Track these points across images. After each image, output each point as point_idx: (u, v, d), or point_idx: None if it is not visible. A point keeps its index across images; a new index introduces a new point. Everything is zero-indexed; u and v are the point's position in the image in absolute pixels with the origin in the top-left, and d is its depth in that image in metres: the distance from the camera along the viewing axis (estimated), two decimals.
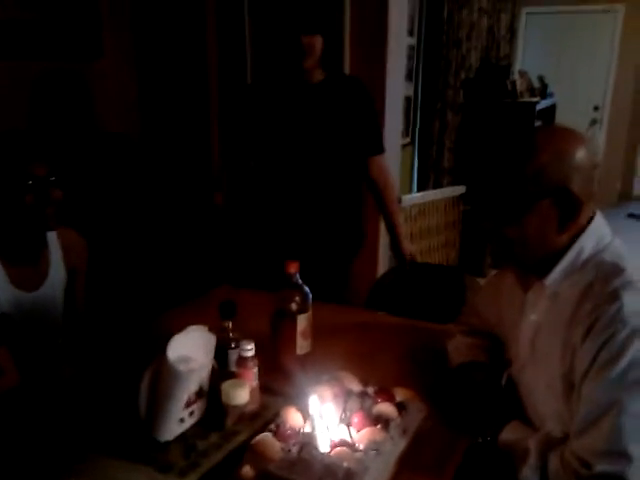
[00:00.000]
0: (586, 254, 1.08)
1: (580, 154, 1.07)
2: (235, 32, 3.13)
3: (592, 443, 0.97)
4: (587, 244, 1.09)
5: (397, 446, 1.11)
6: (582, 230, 1.09)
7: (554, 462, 1.03)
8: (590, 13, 6.20)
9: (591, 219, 1.10)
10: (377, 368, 1.40)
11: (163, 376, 1.16)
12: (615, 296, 1.00)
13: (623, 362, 0.96)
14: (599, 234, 1.10)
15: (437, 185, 4.19)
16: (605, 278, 1.03)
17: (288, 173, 2.11)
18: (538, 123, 4.57)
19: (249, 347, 1.26)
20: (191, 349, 1.21)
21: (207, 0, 3.16)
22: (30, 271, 1.69)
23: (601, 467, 0.95)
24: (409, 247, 2.26)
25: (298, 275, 1.42)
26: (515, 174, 1.07)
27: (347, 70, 2.89)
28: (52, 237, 1.75)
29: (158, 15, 3.20)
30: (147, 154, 3.30)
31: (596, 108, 6.22)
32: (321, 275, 1.85)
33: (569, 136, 1.10)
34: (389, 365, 1.46)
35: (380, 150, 2.22)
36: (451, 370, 1.39)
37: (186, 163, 3.39)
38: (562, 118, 5.44)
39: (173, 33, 3.23)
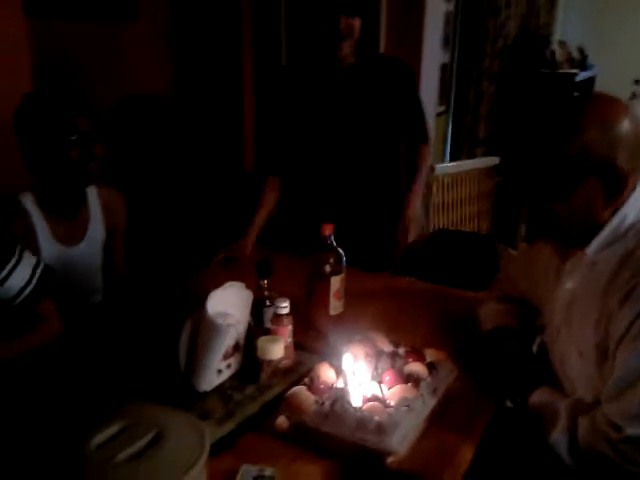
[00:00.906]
0: (628, 223, 1.08)
1: (625, 126, 1.06)
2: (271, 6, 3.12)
3: (624, 407, 0.99)
4: (630, 213, 1.08)
5: (427, 404, 1.14)
6: (622, 204, 1.09)
7: (584, 425, 1.05)
8: None
9: (633, 191, 1.10)
10: (408, 330, 1.42)
11: (202, 329, 1.20)
12: None
13: None
14: (637, 207, 1.09)
15: (471, 155, 4.14)
16: None
17: (324, 157, 2.07)
18: (577, 95, 4.47)
19: (284, 305, 1.29)
20: (229, 304, 1.25)
21: None
22: (70, 226, 1.73)
23: (632, 430, 0.97)
24: (411, 215, 2.11)
25: (332, 237, 1.44)
26: (561, 152, 1.07)
27: (383, 38, 2.85)
28: (92, 194, 1.79)
29: None
30: (180, 117, 3.32)
31: (637, 82, 6.05)
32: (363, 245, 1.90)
33: (613, 108, 1.08)
34: (420, 327, 1.49)
35: (424, 139, 2.15)
36: (482, 335, 1.41)
37: (218, 129, 3.41)
38: (602, 89, 5.30)
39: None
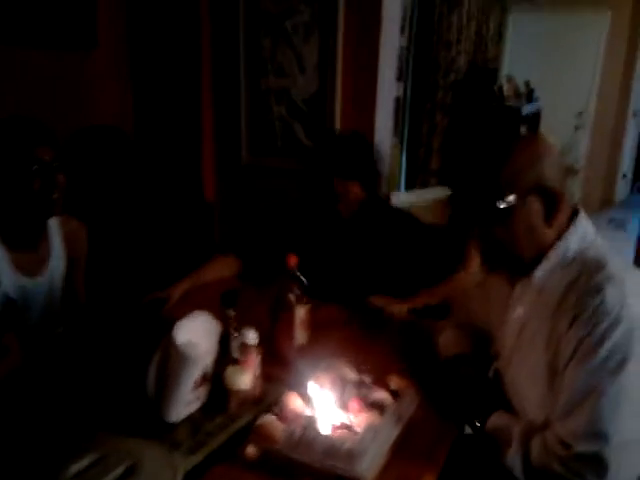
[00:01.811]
0: (572, 251, 1.17)
1: (550, 159, 1.17)
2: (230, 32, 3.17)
3: (573, 426, 1.06)
4: (572, 241, 1.17)
5: (392, 431, 1.18)
6: (567, 228, 1.18)
7: (536, 446, 1.11)
8: (577, 19, 6.31)
9: (575, 218, 1.18)
10: (371, 359, 1.46)
11: (171, 360, 1.22)
12: (598, 289, 1.08)
13: (604, 350, 1.05)
14: (583, 232, 1.19)
15: (424, 185, 4.26)
16: (589, 273, 1.12)
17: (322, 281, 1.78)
18: (523, 128, 4.67)
19: (253, 335, 1.32)
20: (196, 334, 1.26)
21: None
22: (32, 257, 1.72)
23: (581, 447, 1.04)
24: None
25: (297, 268, 1.48)
26: (493, 179, 1.15)
27: (339, 69, 2.93)
28: (53, 224, 1.79)
29: (152, 9, 3.23)
30: (139, 147, 3.32)
31: (580, 114, 6.35)
32: None
33: (540, 143, 1.20)
34: (383, 356, 1.52)
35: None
36: (440, 362, 1.46)
37: (177, 159, 3.42)
38: (547, 123, 5.54)
39: (166, 28, 3.26)
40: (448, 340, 1.51)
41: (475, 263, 1.72)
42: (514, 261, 1.22)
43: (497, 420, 1.21)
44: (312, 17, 2.91)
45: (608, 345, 1.05)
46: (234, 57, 3.18)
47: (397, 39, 3.09)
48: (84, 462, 0.96)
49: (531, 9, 6.26)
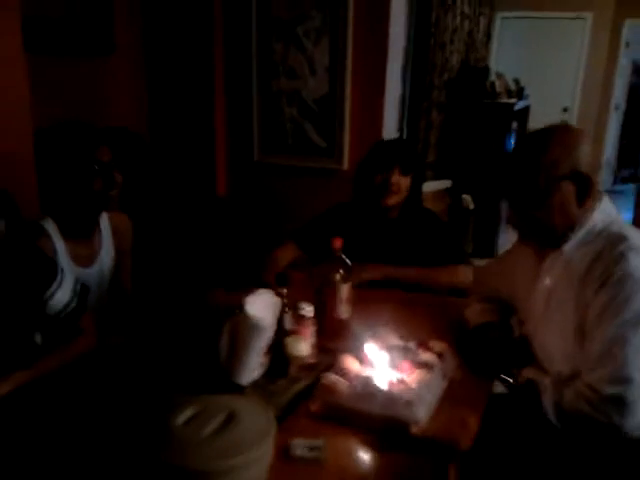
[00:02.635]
0: (598, 227, 1.36)
1: (584, 147, 1.35)
2: (242, 36, 3.33)
3: (601, 373, 1.24)
4: (599, 219, 1.37)
5: (440, 385, 1.37)
6: (593, 209, 1.36)
7: (568, 393, 1.29)
8: (560, 19, 6.55)
9: (599, 200, 1.37)
10: (410, 328, 1.64)
11: (242, 330, 1.38)
12: (622, 257, 1.27)
13: (628, 310, 1.23)
14: (607, 211, 1.38)
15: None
16: (613, 244, 1.31)
17: None
18: (514, 123, 4.88)
19: (309, 308, 1.49)
20: (262, 308, 1.43)
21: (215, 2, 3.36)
22: (85, 249, 1.88)
23: (608, 391, 1.22)
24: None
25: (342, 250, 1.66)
26: (534, 166, 1.34)
27: (349, 74, 3.10)
28: (103, 218, 1.94)
29: (167, 14, 3.38)
30: (155, 151, 3.46)
31: (565, 110, 6.59)
32: None
33: (574, 132, 1.40)
34: (420, 326, 1.71)
35: (459, 260, 2.16)
36: (470, 331, 1.65)
37: (190, 156, 3.57)
38: (534, 118, 5.76)
39: (181, 33, 3.41)
40: (474, 312, 1.70)
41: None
42: (547, 236, 1.40)
43: (529, 373, 1.39)
44: (323, 22, 3.08)
45: (633, 305, 1.23)
46: (246, 60, 3.34)
47: (402, 42, 3.27)
48: (188, 413, 1.11)
49: (517, 9, 6.47)
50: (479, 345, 1.57)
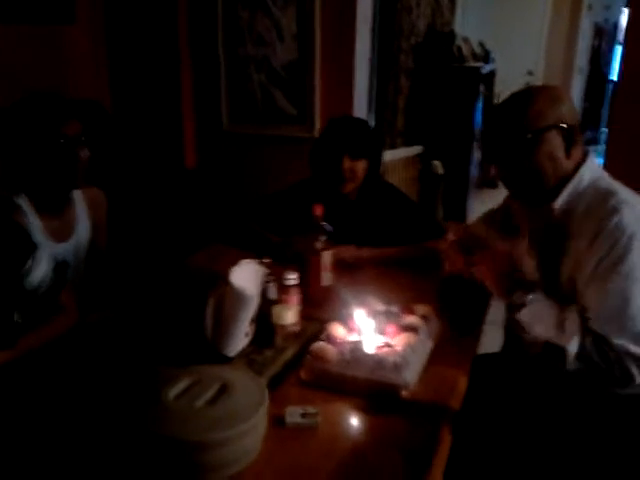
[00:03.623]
0: (586, 181, 1.39)
1: (567, 100, 1.41)
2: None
3: (621, 332, 1.25)
4: (585, 174, 1.39)
5: (426, 347, 1.39)
6: (580, 163, 1.39)
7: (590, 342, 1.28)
8: None
9: (586, 156, 1.39)
10: (395, 293, 1.65)
11: (228, 300, 1.37)
12: (614, 210, 1.29)
13: (626, 263, 1.25)
14: (593, 167, 1.41)
15: (392, 145, 4.45)
16: (603, 199, 1.33)
17: None
18: (482, 87, 4.89)
19: (292, 276, 1.49)
20: (247, 278, 1.42)
21: None
22: (59, 223, 1.83)
23: (634, 349, 1.24)
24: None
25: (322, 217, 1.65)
26: (523, 116, 1.37)
27: (318, 39, 3.05)
28: (77, 192, 1.90)
29: None
30: (120, 123, 3.38)
31: (530, 73, 6.63)
32: None
33: (556, 89, 1.45)
34: (404, 290, 1.73)
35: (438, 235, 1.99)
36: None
37: (156, 130, 3.49)
38: (500, 82, 5.80)
39: (143, 0, 3.31)
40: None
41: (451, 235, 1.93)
42: (537, 190, 1.42)
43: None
44: None
45: (630, 258, 1.26)
46: (212, 27, 3.26)
47: (370, 7, 3.22)
48: (180, 386, 1.10)
49: None
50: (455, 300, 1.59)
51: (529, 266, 1.49)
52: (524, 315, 1.33)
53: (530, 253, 1.50)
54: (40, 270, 1.51)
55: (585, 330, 1.27)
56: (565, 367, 1.28)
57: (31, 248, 1.50)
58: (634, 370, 1.25)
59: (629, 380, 1.26)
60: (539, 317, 1.32)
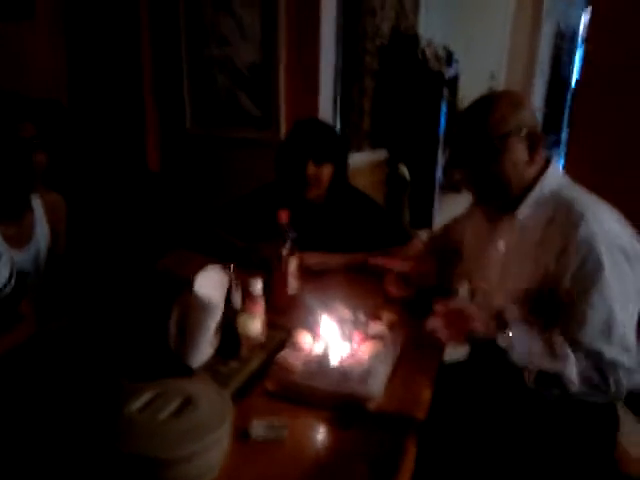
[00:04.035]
0: (547, 190, 1.40)
1: (527, 105, 1.43)
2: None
3: (611, 347, 1.26)
4: (547, 182, 1.40)
5: (392, 356, 1.38)
6: (543, 170, 1.40)
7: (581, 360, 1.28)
8: None
9: (548, 162, 1.40)
10: (361, 300, 1.64)
11: (192, 310, 1.34)
12: (580, 219, 1.30)
13: (602, 279, 1.26)
14: (556, 174, 1.42)
15: (359, 148, 4.45)
16: (567, 206, 1.34)
17: None
18: (445, 90, 4.93)
19: (258, 285, 1.46)
20: (211, 286, 1.39)
21: None
22: (16, 229, 1.78)
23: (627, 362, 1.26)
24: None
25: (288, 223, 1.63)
26: (485, 123, 1.37)
27: (282, 40, 3.03)
28: (35, 198, 1.84)
29: None
30: (77, 119, 3.31)
31: (492, 77, 6.71)
32: None
33: (516, 95, 1.47)
34: (370, 298, 1.72)
35: (403, 242, 2.05)
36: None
37: (118, 131, 3.42)
38: (464, 85, 5.85)
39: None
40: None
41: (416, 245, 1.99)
42: (501, 196, 1.43)
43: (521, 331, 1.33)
44: None
45: (604, 274, 1.26)
46: (174, 26, 3.21)
47: (334, 8, 3.21)
48: (143, 399, 1.08)
49: None
50: None
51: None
52: (515, 358, 1.29)
53: (492, 262, 1.51)
54: (1, 275, 1.47)
55: (576, 348, 1.27)
56: (569, 392, 1.28)
57: None
58: (626, 383, 1.26)
59: (621, 393, 1.28)
60: (528, 354, 1.28)
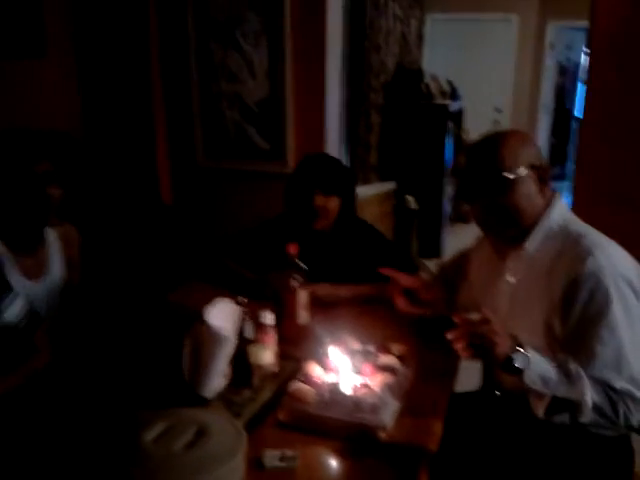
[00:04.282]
0: (554, 223, 1.42)
1: (534, 143, 1.48)
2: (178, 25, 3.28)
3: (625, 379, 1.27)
4: (554, 214, 1.43)
5: (403, 387, 1.39)
6: (549, 203, 1.43)
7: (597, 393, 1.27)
8: (487, 21, 6.76)
9: (554, 197, 1.43)
10: (370, 332, 1.65)
11: (205, 341, 1.36)
12: (589, 253, 1.31)
13: (610, 314, 1.27)
14: (562, 210, 1.45)
15: (366, 181, 4.51)
16: (574, 242, 1.36)
17: None
18: (450, 124, 5.00)
19: (270, 316, 1.48)
20: (222, 318, 1.41)
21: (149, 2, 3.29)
22: (32, 260, 1.81)
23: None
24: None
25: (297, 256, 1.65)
26: (495, 157, 1.41)
27: (289, 76, 3.10)
28: (50, 231, 1.87)
29: (100, 17, 3.29)
30: (91, 152, 3.36)
31: (497, 110, 6.81)
32: None
33: (520, 132, 1.52)
34: (380, 329, 1.73)
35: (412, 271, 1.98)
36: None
37: (130, 165, 3.48)
38: (469, 119, 5.94)
39: (115, 35, 3.32)
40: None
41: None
42: (511, 228, 1.45)
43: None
44: (261, 25, 3.07)
45: (612, 308, 1.27)
46: (184, 63, 3.29)
47: (339, 44, 3.29)
48: (157, 429, 1.09)
49: (445, 11, 6.63)
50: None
51: None
52: (528, 380, 1.26)
53: (501, 295, 1.52)
54: (15, 308, 1.49)
55: (590, 379, 1.27)
56: (580, 420, 1.27)
57: (5, 286, 1.48)
58: (636, 414, 1.26)
59: (631, 425, 1.28)
60: (544, 378, 1.26)
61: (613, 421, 1.27)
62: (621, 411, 1.25)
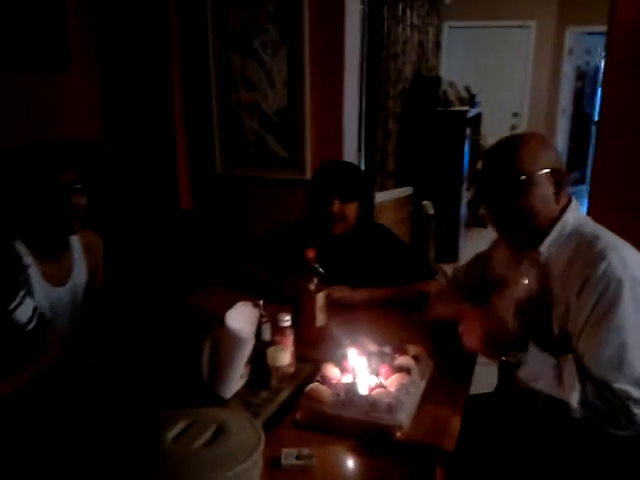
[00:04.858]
0: (569, 227, 1.43)
1: (553, 147, 1.49)
2: (199, 42, 3.34)
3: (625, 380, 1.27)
4: (569, 219, 1.43)
5: (419, 387, 1.41)
6: (565, 208, 1.44)
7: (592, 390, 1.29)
8: (505, 28, 6.76)
9: (570, 201, 1.44)
10: (386, 333, 1.68)
11: (224, 343, 1.39)
12: (602, 256, 1.32)
13: (618, 312, 1.28)
14: (577, 212, 1.45)
15: (383, 187, 4.54)
16: (589, 244, 1.37)
17: None
18: (468, 130, 5.01)
19: (287, 318, 1.51)
20: (241, 321, 1.44)
21: (170, 13, 3.36)
22: (56, 267, 1.86)
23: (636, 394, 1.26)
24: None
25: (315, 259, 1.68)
26: (514, 160, 1.42)
27: (308, 86, 3.14)
28: (74, 237, 1.92)
29: (121, 29, 3.37)
30: (114, 162, 3.44)
31: (515, 115, 6.79)
32: None
33: (541, 135, 1.52)
34: (395, 331, 1.75)
35: (429, 276, 2.10)
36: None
37: (151, 174, 3.55)
38: (486, 124, 5.94)
39: (136, 47, 3.40)
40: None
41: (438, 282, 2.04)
42: (527, 231, 1.46)
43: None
44: (279, 35, 3.12)
45: (620, 307, 1.28)
46: (204, 74, 3.34)
47: (357, 53, 3.33)
48: (177, 428, 1.12)
49: (463, 19, 6.64)
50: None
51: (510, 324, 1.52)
52: (522, 374, 1.33)
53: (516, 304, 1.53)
54: (25, 308, 1.54)
55: (585, 378, 1.29)
56: (570, 416, 1.29)
57: (17, 287, 1.53)
58: (637, 413, 1.26)
59: (632, 424, 1.28)
60: (537, 374, 1.32)
61: (612, 420, 1.27)
62: (620, 411, 1.26)
